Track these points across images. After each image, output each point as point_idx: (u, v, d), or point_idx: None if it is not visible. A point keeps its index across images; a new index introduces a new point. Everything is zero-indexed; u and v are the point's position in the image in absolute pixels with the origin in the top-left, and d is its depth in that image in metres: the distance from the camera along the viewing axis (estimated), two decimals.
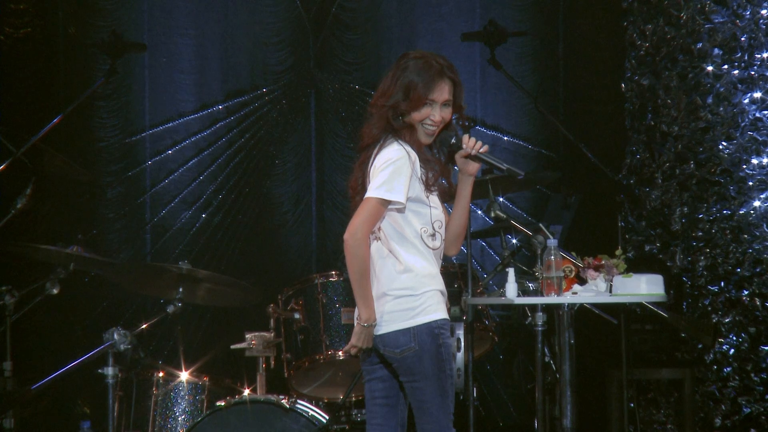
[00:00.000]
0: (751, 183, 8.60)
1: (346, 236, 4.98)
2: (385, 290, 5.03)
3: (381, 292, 5.05)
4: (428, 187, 5.07)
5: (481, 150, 5.18)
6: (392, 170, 5.00)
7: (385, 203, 5.00)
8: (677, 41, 8.68)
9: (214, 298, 7.33)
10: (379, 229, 5.05)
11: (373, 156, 5.09)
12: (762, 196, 8.59)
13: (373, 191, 4.99)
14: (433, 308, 5.03)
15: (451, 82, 5.12)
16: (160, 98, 9.08)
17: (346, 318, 6.97)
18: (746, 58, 8.60)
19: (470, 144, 5.17)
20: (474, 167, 5.22)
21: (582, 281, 5.70)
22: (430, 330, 5.01)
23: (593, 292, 5.67)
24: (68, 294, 7.62)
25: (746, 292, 8.62)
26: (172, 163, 9.10)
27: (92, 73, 8.86)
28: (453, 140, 5.17)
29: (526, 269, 6.23)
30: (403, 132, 5.08)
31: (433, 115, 5.10)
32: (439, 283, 5.09)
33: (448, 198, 5.20)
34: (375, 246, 5.07)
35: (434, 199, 5.11)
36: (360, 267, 4.99)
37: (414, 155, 5.05)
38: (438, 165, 5.13)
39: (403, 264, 5.02)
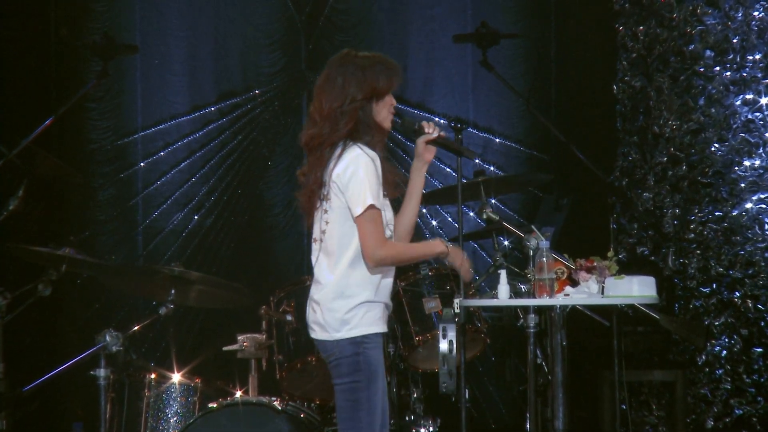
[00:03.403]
0: (743, 185, 8.61)
1: (371, 263, 4.97)
2: (324, 299, 5.03)
3: (327, 296, 5.04)
4: (386, 189, 5.07)
5: (440, 133, 5.21)
6: (367, 175, 4.96)
7: (376, 208, 4.97)
8: (669, 43, 8.69)
9: (206, 300, 7.32)
10: (324, 232, 5.03)
11: (334, 159, 5.02)
12: (754, 198, 8.61)
13: (363, 202, 4.95)
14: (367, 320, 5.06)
15: None
16: (152, 100, 9.07)
17: None
18: (738, 59, 8.61)
19: (431, 128, 5.19)
20: (432, 153, 5.23)
21: (574, 283, 5.71)
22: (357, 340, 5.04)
23: (585, 293, 5.68)
24: (60, 296, 7.62)
25: (738, 294, 8.63)
26: (164, 165, 9.09)
27: (84, 75, 8.85)
28: (416, 126, 5.18)
29: (518, 271, 6.23)
30: (371, 130, 5.04)
31: (392, 101, 5.11)
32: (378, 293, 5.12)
33: (397, 193, 5.18)
34: (318, 248, 5.06)
35: (386, 201, 5.12)
36: (403, 257, 5.09)
37: (377, 159, 5.03)
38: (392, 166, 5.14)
39: (354, 271, 5.02)
